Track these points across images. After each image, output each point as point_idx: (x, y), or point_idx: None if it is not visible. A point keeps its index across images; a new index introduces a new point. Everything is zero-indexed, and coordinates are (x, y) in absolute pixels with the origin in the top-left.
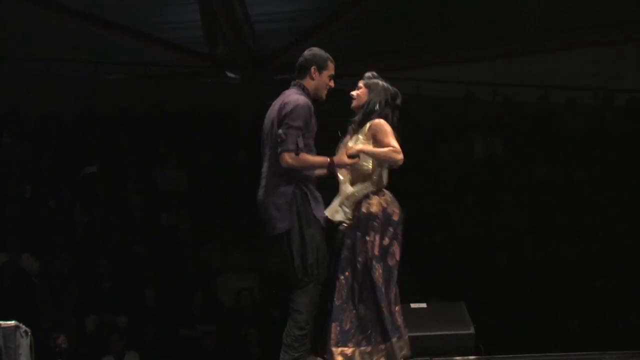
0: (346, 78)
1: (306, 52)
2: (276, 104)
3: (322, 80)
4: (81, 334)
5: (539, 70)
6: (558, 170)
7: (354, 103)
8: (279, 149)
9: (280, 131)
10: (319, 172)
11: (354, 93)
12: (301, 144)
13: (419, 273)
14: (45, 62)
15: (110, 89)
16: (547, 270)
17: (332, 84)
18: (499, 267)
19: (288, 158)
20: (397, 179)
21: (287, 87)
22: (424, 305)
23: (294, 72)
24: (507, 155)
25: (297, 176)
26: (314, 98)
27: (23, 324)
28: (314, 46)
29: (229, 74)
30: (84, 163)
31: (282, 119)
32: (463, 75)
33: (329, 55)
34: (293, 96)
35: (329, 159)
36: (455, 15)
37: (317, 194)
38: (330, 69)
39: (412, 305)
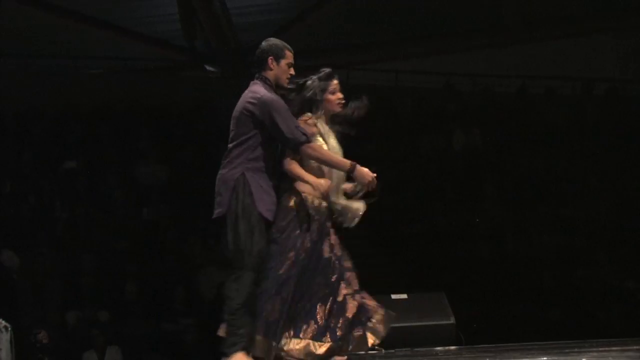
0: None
1: (263, 43)
2: (246, 96)
3: (281, 69)
4: (62, 330)
5: (518, 60)
6: (538, 161)
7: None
8: (294, 147)
9: (282, 129)
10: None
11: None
12: (303, 130)
13: (399, 264)
14: (24, 57)
15: (90, 84)
16: (528, 261)
17: (291, 71)
18: (480, 258)
19: (307, 150)
20: (377, 170)
21: None
22: (404, 296)
23: None
24: (486, 146)
25: (246, 165)
26: (276, 87)
27: (4, 319)
28: (292, 39)
29: (208, 68)
30: (64, 158)
31: (267, 114)
32: (442, 66)
33: (285, 44)
34: (262, 90)
35: (349, 163)
36: (434, 7)
37: (268, 185)
38: (289, 57)
39: (393, 296)
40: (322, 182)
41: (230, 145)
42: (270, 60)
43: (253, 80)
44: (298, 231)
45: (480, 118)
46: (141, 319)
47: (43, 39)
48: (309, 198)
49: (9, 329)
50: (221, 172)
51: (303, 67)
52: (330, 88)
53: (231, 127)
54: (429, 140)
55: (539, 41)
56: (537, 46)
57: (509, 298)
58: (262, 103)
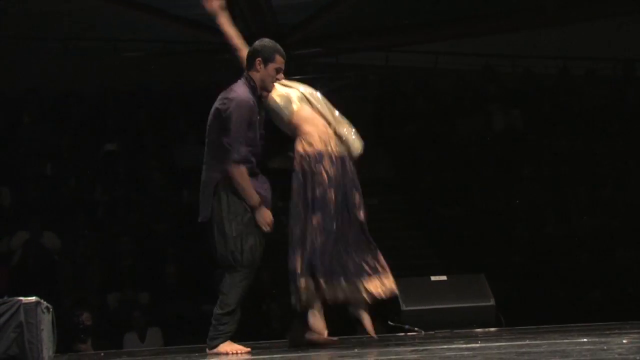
0: (365, 52)
1: (256, 43)
2: (221, 95)
3: (267, 72)
4: (104, 311)
5: (558, 41)
6: (578, 143)
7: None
8: (225, 159)
9: (225, 140)
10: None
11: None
12: (243, 152)
13: (439, 246)
14: (64, 40)
15: (131, 67)
16: (567, 242)
17: (279, 77)
18: (520, 240)
19: (233, 169)
20: (417, 152)
21: (305, 61)
22: (444, 277)
23: (313, 47)
24: (526, 127)
25: (223, 166)
26: (261, 90)
27: (45, 301)
28: (331, 21)
29: None
30: (104, 141)
31: (224, 121)
32: (481, 48)
33: (278, 48)
34: (239, 90)
35: (257, 201)
36: None
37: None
38: (278, 62)
39: (432, 278)
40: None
41: (206, 148)
42: (258, 61)
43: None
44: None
45: (520, 100)
46: (182, 301)
47: (82, 21)
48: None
49: (51, 309)
50: (202, 176)
51: (343, 49)
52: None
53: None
54: (468, 122)
55: (579, 22)
56: (577, 27)
57: (548, 279)
58: (233, 104)
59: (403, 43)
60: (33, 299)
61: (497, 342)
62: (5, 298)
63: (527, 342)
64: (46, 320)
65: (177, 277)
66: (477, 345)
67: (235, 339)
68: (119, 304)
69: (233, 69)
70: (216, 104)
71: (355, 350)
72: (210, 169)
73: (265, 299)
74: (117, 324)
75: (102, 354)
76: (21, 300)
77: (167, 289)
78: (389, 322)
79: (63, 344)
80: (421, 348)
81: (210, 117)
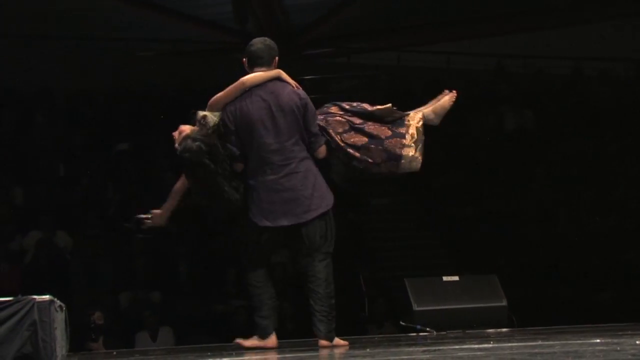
0: (376, 52)
1: (270, 42)
2: (290, 92)
3: None
4: (115, 310)
5: (570, 41)
6: (590, 143)
7: None
8: (318, 144)
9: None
10: None
11: None
12: None
13: (451, 246)
14: (77, 39)
15: (141, 66)
16: (579, 243)
17: None
18: (531, 240)
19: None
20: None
21: (317, 61)
22: (456, 278)
23: (324, 47)
24: (538, 128)
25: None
26: None
27: (58, 300)
28: (344, 21)
29: None
30: (116, 140)
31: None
32: (494, 48)
33: None
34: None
35: None
36: None
37: None
38: None
39: (445, 278)
40: None
41: (292, 141)
42: (276, 59)
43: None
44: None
45: (532, 100)
46: (193, 301)
47: (95, 20)
48: None
49: (64, 308)
50: (300, 168)
51: (355, 49)
52: None
53: (284, 123)
54: (480, 122)
55: (591, 22)
56: (590, 27)
57: (560, 280)
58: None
59: (414, 43)
60: (47, 297)
61: (509, 342)
62: (19, 297)
63: (540, 342)
64: (59, 319)
65: (189, 277)
66: (490, 345)
67: (243, 338)
68: (130, 303)
69: (244, 69)
70: (296, 101)
71: (367, 350)
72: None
73: (278, 297)
74: (129, 323)
75: (115, 353)
76: (35, 298)
77: (178, 289)
78: (401, 323)
79: (75, 342)
80: (433, 348)
81: (292, 109)
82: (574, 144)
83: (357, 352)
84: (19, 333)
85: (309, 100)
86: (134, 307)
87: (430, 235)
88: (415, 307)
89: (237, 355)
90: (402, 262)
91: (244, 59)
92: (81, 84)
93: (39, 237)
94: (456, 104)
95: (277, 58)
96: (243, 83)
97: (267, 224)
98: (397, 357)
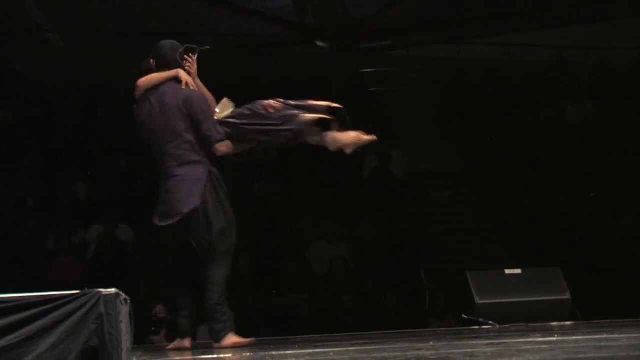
0: (435, 44)
1: (176, 44)
2: (175, 92)
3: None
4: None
5: (632, 32)
6: None
7: None
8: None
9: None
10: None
11: None
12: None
13: (511, 239)
14: (137, 35)
15: (202, 60)
16: None
17: None
18: (594, 232)
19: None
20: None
21: (376, 54)
22: (518, 271)
23: (383, 40)
24: (599, 120)
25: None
26: None
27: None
28: (403, 13)
29: (319, 43)
30: None
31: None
32: (555, 39)
33: None
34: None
35: None
36: None
37: None
38: None
39: (507, 271)
40: None
41: (174, 144)
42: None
43: None
44: None
45: (593, 92)
46: (253, 294)
47: (155, 16)
48: None
49: (128, 301)
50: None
51: (414, 42)
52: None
53: (165, 125)
54: (540, 114)
55: None
56: None
57: (623, 273)
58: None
59: (474, 35)
60: (112, 290)
61: (573, 335)
62: (85, 289)
63: (605, 335)
64: (124, 312)
65: (249, 270)
66: (554, 338)
67: (305, 331)
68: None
69: (303, 62)
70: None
71: (430, 342)
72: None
73: (337, 291)
74: None
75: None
76: (101, 291)
77: (238, 281)
78: (463, 316)
79: (136, 335)
80: (497, 341)
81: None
82: (635, 136)
83: (420, 344)
84: (86, 325)
85: (196, 98)
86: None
87: (491, 228)
88: (478, 300)
89: (300, 347)
90: (462, 255)
91: (152, 61)
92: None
93: (101, 230)
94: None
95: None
96: (137, 86)
97: (155, 222)
98: (460, 350)
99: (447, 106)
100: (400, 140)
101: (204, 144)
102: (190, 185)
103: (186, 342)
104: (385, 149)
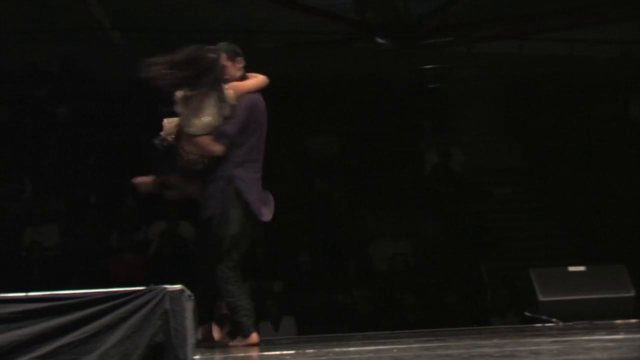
0: (497, 41)
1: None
2: None
3: None
4: None
5: None
6: None
7: None
8: None
9: None
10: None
11: None
12: None
13: (575, 236)
14: (197, 32)
15: (262, 58)
16: None
17: None
18: None
19: None
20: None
21: (437, 51)
22: (582, 268)
23: (445, 37)
24: None
25: None
26: None
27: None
28: (463, 10)
29: (379, 40)
30: None
31: None
32: (619, 34)
33: None
34: None
35: None
36: None
37: None
38: None
39: (570, 269)
40: None
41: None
42: None
43: None
44: None
45: None
46: (315, 290)
47: (213, 13)
48: None
49: (192, 297)
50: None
51: (475, 38)
52: None
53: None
54: (604, 110)
55: None
56: None
57: None
58: None
59: (536, 31)
60: (178, 287)
61: None
62: (151, 286)
63: None
64: (189, 308)
65: (311, 267)
66: (620, 336)
67: (366, 328)
68: (252, 293)
69: (363, 59)
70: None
71: (494, 340)
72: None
73: (398, 288)
74: None
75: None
76: (166, 288)
77: (300, 278)
78: (526, 313)
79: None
80: (562, 339)
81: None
82: None
83: (483, 342)
84: (152, 322)
85: None
86: (257, 297)
87: (554, 225)
88: (541, 298)
89: (363, 345)
90: (524, 253)
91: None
92: None
93: (164, 227)
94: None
95: None
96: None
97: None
98: (525, 348)
99: (509, 102)
100: (461, 137)
101: None
102: None
103: (252, 339)
104: (446, 145)
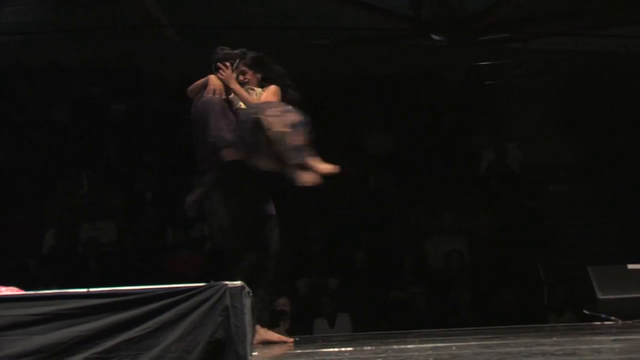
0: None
1: None
2: None
3: None
4: (294, 297)
5: None
6: None
7: None
8: None
9: None
10: None
11: None
12: None
13: (632, 234)
14: (255, 29)
15: (318, 54)
16: None
17: None
18: None
19: None
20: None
21: (493, 47)
22: None
23: (501, 33)
24: None
25: None
26: None
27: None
28: (519, 6)
29: (434, 36)
30: None
31: None
32: None
33: None
34: None
35: None
36: None
37: None
38: None
39: (630, 266)
40: None
41: None
42: None
43: None
44: None
45: None
46: (370, 287)
47: (270, 10)
48: None
49: (251, 294)
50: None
51: (531, 34)
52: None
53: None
54: None
55: None
56: None
57: None
58: None
59: (593, 27)
60: (238, 283)
61: None
62: (212, 282)
63: None
64: (248, 306)
65: (366, 263)
66: None
67: (421, 325)
68: (308, 290)
69: (419, 56)
70: None
71: (554, 338)
72: None
73: (453, 285)
74: (307, 309)
75: (297, 339)
76: (227, 284)
77: (355, 275)
78: (584, 311)
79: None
80: (622, 337)
81: None
82: None
83: (543, 340)
84: (212, 318)
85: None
86: (312, 294)
87: (611, 222)
88: (600, 296)
89: (421, 342)
90: (581, 250)
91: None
92: None
93: None
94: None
95: None
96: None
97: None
98: (586, 347)
99: (566, 99)
100: (517, 133)
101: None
102: None
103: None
104: (502, 142)
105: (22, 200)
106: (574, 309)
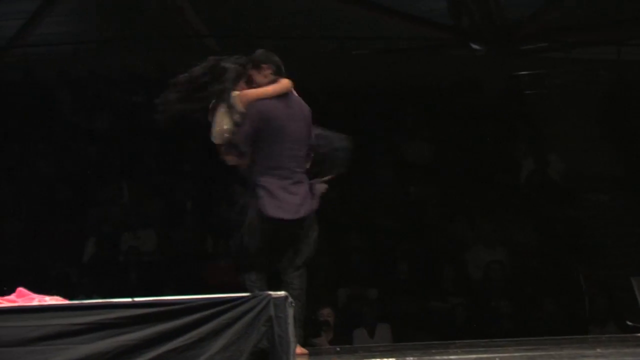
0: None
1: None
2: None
3: None
4: (334, 307)
5: None
6: None
7: None
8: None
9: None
10: None
11: None
12: None
13: None
14: (289, 40)
15: (356, 64)
16: None
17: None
18: None
19: None
20: None
21: (533, 56)
22: None
23: (541, 42)
24: None
25: None
26: None
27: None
28: (561, 14)
29: (474, 46)
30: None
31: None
32: None
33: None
34: None
35: None
36: None
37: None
38: None
39: None
40: None
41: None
42: None
43: None
44: None
45: None
46: (410, 297)
47: (309, 20)
48: None
49: (293, 304)
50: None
51: (572, 43)
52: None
53: (304, 131)
54: None
55: None
56: None
57: None
58: None
59: (635, 36)
60: (282, 293)
61: None
62: (256, 292)
63: None
64: (291, 316)
65: (406, 274)
66: None
67: (462, 336)
68: (348, 300)
69: (458, 65)
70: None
71: (598, 350)
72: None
73: (494, 296)
74: (347, 319)
75: (338, 349)
76: (271, 294)
77: (395, 285)
78: (628, 322)
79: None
80: None
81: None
82: None
83: (586, 352)
84: (256, 328)
85: None
86: (352, 304)
87: None
88: None
89: (463, 352)
90: (623, 260)
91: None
92: (296, 83)
93: None
94: None
95: None
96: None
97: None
98: (632, 358)
99: (607, 108)
100: (558, 143)
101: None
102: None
103: None
104: (542, 152)
105: (63, 209)
106: (617, 320)
